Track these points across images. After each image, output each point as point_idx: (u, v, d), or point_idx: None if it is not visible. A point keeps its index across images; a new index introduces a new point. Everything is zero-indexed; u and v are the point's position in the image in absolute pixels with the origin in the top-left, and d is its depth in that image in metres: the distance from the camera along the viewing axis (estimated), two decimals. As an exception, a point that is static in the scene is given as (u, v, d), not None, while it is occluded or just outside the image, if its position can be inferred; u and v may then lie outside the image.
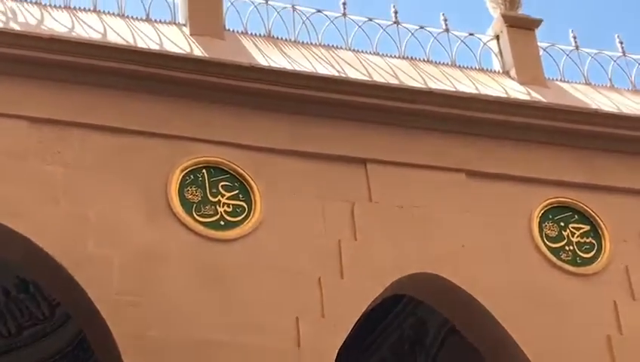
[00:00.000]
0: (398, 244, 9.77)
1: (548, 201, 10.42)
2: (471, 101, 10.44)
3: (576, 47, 11.76)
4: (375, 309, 10.36)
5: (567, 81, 11.66)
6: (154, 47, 9.95)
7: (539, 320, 9.83)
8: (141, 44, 9.94)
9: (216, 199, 9.49)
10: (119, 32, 10.11)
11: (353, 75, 10.39)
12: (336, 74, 10.30)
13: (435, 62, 11.29)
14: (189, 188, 9.46)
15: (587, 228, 10.44)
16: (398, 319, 12.45)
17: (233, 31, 10.78)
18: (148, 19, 10.59)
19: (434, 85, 10.58)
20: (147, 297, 8.89)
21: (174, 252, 9.13)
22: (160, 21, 10.59)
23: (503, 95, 10.73)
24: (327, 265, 9.47)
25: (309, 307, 9.25)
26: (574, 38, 11.79)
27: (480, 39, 11.58)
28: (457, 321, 10.24)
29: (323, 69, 10.38)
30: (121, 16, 10.54)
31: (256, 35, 10.86)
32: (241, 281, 9.17)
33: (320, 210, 9.70)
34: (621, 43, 11.95)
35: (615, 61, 11.91)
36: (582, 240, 10.37)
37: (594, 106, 10.95)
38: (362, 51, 11.10)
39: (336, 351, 9.24)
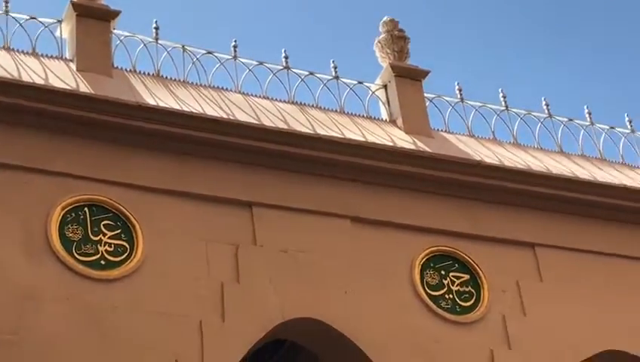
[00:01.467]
0: (282, 289, 9.53)
1: (430, 249, 10.32)
2: (358, 148, 10.30)
3: (461, 100, 11.75)
4: (256, 354, 10.11)
5: (452, 132, 11.63)
6: (39, 81, 9.58)
7: (420, 369, 9.69)
8: (26, 78, 9.57)
9: (98, 238, 9.13)
10: (4, 65, 9.72)
11: (242, 117, 10.16)
12: (225, 116, 10.07)
13: (324, 109, 11.14)
14: (69, 226, 9.08)
15: (467, 277, 10.35)
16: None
17: (122, 68, 10.46)
18: (34, 53, 10.22)
19: (322, 131, 10.42)
20: (23, 336, 8.47)
21: (53, 291, 8.73)
22: (46, 55, 10.23)
23: (390, 143, 10.62)
24: (208, 308, 9.17)
25: (189, 350, 8.92)
26: (459, 90, 11.79)
27: (368, 87, 11.48)
28: (338, 368, 10.05)
29: (212, 111, 10.13)
30: (7, 49, 10.16)
31: (144, 73, 10.56)
32: (120, 322, 8.80)
33: (204, 251, 9.40)
34: (504, 97, 11.99)
35: (498, 115, 11.93)
36: (461, 289, 10.27)
37: (477, 158, 10.91)
38: (252, 95, 10.88)
39: (216, 396, 8.96)
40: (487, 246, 10.58)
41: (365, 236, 10.13)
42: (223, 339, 9.12)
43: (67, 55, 10.31)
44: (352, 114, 11.25)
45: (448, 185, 10.58)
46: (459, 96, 11.75)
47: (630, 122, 12.47)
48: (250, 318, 9.28)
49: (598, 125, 12.31)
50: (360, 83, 11.39)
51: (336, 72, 11.25)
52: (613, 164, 12.17)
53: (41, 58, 10.22)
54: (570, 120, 12.22)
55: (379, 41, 11.74)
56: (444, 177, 10.55)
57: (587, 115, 12.32)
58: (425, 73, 11.61)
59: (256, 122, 10.13)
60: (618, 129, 12.41)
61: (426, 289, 10.12)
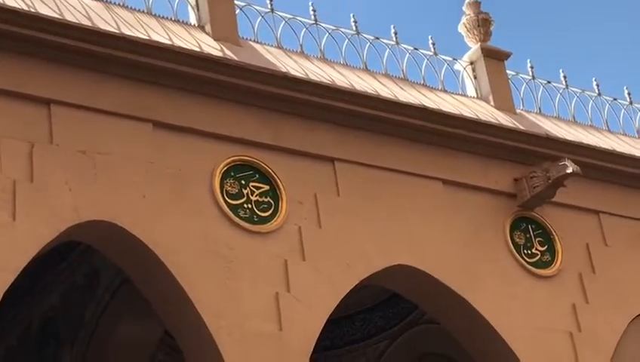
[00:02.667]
0: (77, 190, 9.15)
1: (231, 158, 10.12)
2: (163, 51, 9.93)
3: (272, 10, 11.45)
4: (49, 255, 9.75)
5: (260, 43, 11.39)
6: None
7: (213, 275, 9.53)
8: None
9: None
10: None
11: (43, 11, 9.61)
12: (26, 8, 9.50)
13: (131, 8, 10.67)
14: None
15: (266, 187, 10.23)
16: (71, 267, 11.87)
17: None
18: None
19: (127, 31, 9.99)
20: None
21: None
22: None
23: (197, 49, 10.30)
24: (-1, 206, 8.73)
25: (-25, 248, 8.51)
26: (270, 0, 11.53)
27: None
28: (132, 272, 9.81)
29: (12, 2, 9.53)
30: None
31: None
32: None
33: (-4, 147, 8.89)
34: (314, 11, 11.78)
35: (307, 28, 11.73)
36: (260, 199, 10.14)
37: (283, 70, 10.72)
38: (57, -11, 10.31)
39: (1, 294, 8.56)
40: (288, 158, 10.46)
41: (167, 141, 9.84)
42: (13, 239, 8.73)
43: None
44: (160, 16, 10.83)
45: (253, 95, 10.36)
46: (269, 6, 11.50)
47: (434, 44, 12.51)
48: (42, 218, 8.90)
49: (403, 45, 12.31)
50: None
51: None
52: (415, 85, 12.21)
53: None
54: (377, 38, 12.17)
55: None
56: (250, 87, 10.33)
57: (393, 35, 12.30)
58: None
59: (59, 17, 9.61)
60: (422, 50, 12.44)
61: (225, 197, 9.95)
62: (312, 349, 9.80)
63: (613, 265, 11.89)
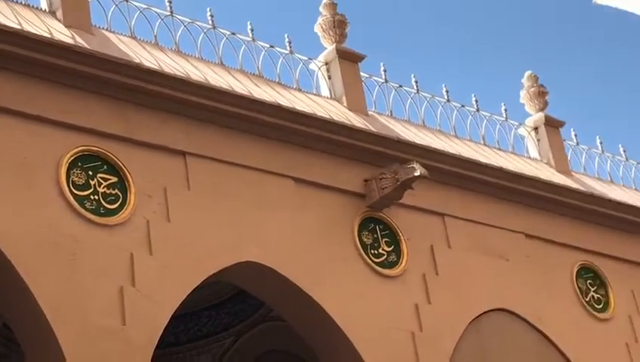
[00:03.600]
0: None
1: (79, 148, 9.79)
2: (11, 35, 9.51)
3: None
4: None
5: (114, 32, 11.08)
6: None
7: (55, 267, 9.21)
8: None
9: None
10: None
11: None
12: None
13: (-17, -5, 10.25)
14: None
15: (115, 179, 9.94)
16: None
17: None
18: None
19: (-26, 16, 9.56)
20: None
21: None
22: None
23: (47, 35, 9.92)
24: None
25: None
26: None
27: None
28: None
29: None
30: None
31: None
32: None
33: None
34: (170, 2, 11.55)
35: (162, 19, 11.48)
36: (108, 191, 9.85)
37: (136, 60, 10.45)
38: None
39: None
40: (139, 151, 10.19)
41: (12, 128, 9.46)
42: None
43: None
44: (9, 0, 10.42)
45: (104, 84, 10.05)
46: (140, -4, 11.20)
47: (290, 43, 12.42)
48: None
49: (259, 42, 12.17)
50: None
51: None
52: (270, 83, 12.08)
53: None
54: (233, 34, 12.00)
55: None
56: (101, 76, 10.01)
57: (250, 32, 12.15)
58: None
59: None
60: (278, 49, 12.33)
61: (72, 188, 9.63)
62: (155, 345, 9.56)
63: (455, 267, 12.02)
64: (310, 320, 10.92)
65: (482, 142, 13.91)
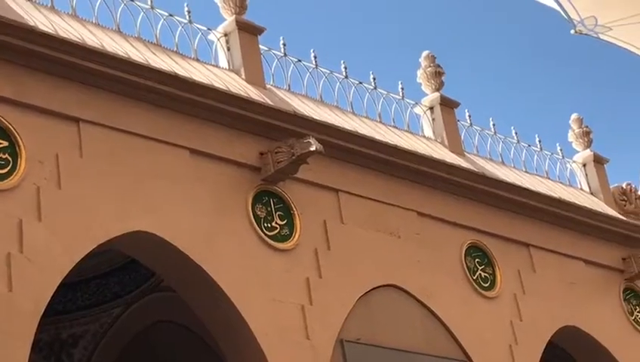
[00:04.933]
0: None
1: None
2: None
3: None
4: None
5: (9, -5, 10.75)
6: None
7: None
8: None
9: None
10: None
11: None
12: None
13: None
14: None
15: (5, 143, 9.69)
16: None
17: None
18: None
19: None
20: None
21: None
22: None
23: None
24: None
25: None
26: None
27: None
28: None
29: None
30: None
31: None
32: None
33: None
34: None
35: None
36: (-1, 156, 9.60)
37: (31, 23, 10.16)
38: None
39: None
40: (31, 115, 9.94)
41: None
42: None
43: None
44: None
45: (-1, 47, 9.74)
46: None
47: (189, 12, 12.22)
48: None
49: (158, 10, 11.85)
50: None
51: None
52: (168, 52, 11.89)
53: None
54: (132, 0, 11.73)
55: None
56: (-6, 39, 9.74)
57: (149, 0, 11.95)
58: None
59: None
60: (177, 18, 12.11)
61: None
62: (42, 312, 9.37)
63: (347, 243, 12.05)
64: (200, 292, 10.83)
65: (378, 120, 13.94)
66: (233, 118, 11.41)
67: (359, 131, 12.76)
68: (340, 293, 11.64)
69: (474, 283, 13.31)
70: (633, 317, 15.23)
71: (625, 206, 16.41)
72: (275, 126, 11.68)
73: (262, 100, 11.79)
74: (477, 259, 13.54)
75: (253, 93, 11.90)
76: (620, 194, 16.48)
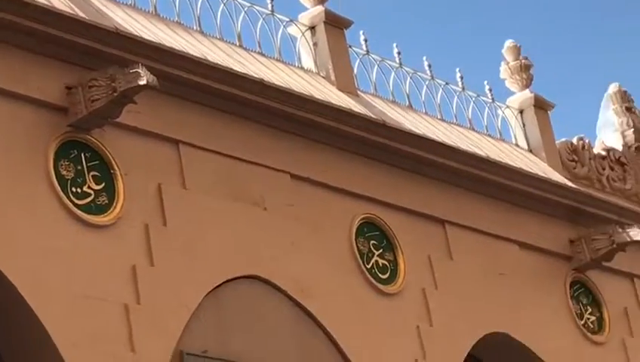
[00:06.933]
0: None
1: None
2: None
3: None
4: None
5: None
6: None
7: None
8: None
9: None
10: None
11: None
12: None
13: None
14: None
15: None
16: None
17: None
18: None
19: None
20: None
21: None
22: None
23: None
24: None
25: None
26: None
27: None
28: None
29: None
30: None
31: None
32: None
33: None
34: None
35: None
36: None
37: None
38: None
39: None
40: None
41: None
42: None
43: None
44: None
45: None
46: None
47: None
48: None
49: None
50: None
51: None
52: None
53: None
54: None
55: None
56: None
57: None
58: None
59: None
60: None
61: None
62: None
63: (192, 215, 12.05)
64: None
65: (237, 44, 13.86)
66: (36, 41, 11.27)
67: (210, 59, 12.67)
68: (178, 289, 11.62)
69: (368, 274, 13.39)
70: (583, 322, 15.43)
71: (575, 168, 16.65)
72: (89, 49, 11.59)
73: (70, 12, 11.60)
74: (372, 241, 13.62)
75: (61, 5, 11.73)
76: (568, 153, 16.70)
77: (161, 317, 11.37)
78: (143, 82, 11.10)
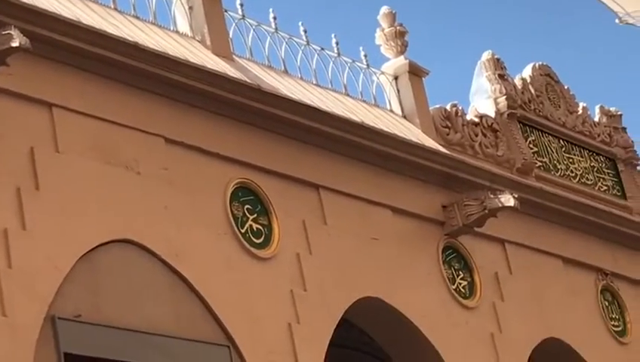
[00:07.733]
0: None
1: None
2: None
3: None
4: None
5: None
6: None
7: None
8: None
9: None
10: None
11: None
12: None
13: None
14: None
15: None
16: None
17: None
18: None
19: None
20: None
21: None
22: None
23: None
24: None
25: None
26: None
27: None
28: None
29: None
30: None
31: None
32: None
33: None
34: None
35: None
36: None
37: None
38: None
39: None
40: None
41: None
42: None
43: None
44: None
45: None
46: None
47: None
48: None
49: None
50: None
51: None
52: None
53: None
54: None
55: None
56: None
57: None
58: None
59: None
60: None
61: None
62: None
63: (64, 178, 11.88)
64: None
65: (112, 6, 13.75)
66: None
67: (83, 21, 12.49)
68: (50, 253, 11.46)
69: (242, 238, 13.39)
70: (455, 286, 15.62)
71: (448, 135, 16.80)
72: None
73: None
74: (247, 206, 13.61)
75: None
76: (442, 119, 16.86)
77: (32, 280, 11.20)
78: (15, 44, 10.93)
